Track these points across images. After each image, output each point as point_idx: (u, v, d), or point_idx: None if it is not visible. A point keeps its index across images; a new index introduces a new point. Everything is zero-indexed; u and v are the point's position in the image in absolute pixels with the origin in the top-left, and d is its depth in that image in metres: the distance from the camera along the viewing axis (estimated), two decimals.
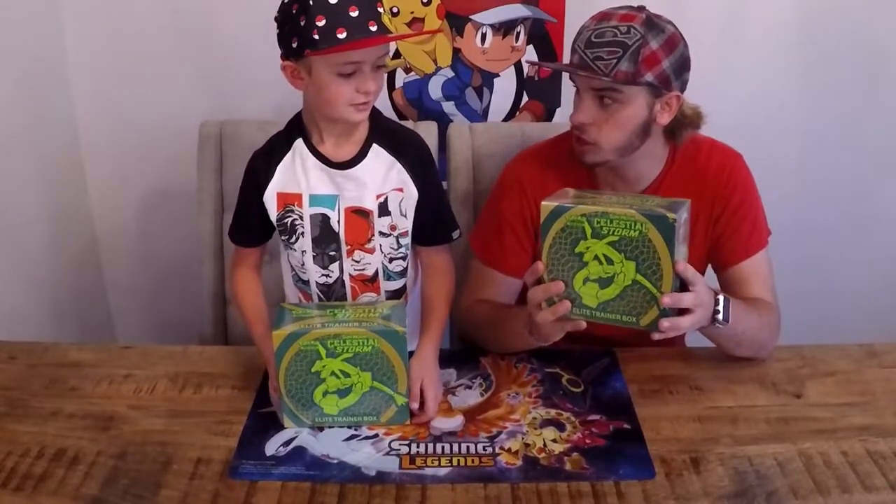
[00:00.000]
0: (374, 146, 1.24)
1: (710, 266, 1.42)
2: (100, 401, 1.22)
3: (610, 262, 1.07)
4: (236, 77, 1.87)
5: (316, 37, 1.10)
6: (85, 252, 2.02)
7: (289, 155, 1.25)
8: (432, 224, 1.30)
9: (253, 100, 1.85)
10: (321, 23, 1.09)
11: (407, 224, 1.27)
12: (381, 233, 1.27)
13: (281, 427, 1.16)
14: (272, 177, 1.25)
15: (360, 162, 1.23)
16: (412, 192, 1.25)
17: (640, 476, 1.07)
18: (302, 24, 1.10)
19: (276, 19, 1.17)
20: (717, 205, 1.35)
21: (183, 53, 1.86)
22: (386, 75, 1.22)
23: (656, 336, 1.08)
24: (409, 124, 1.73)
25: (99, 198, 2.01)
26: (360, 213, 1.25)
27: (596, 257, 1.07)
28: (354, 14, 1.10)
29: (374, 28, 1.12)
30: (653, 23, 1.22)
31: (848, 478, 1.06)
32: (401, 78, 1.88)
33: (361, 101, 1.16)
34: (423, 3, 1.81)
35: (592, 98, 1.25)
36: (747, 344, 1.28)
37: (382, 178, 1.24)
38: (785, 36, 1.87)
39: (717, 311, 1.15)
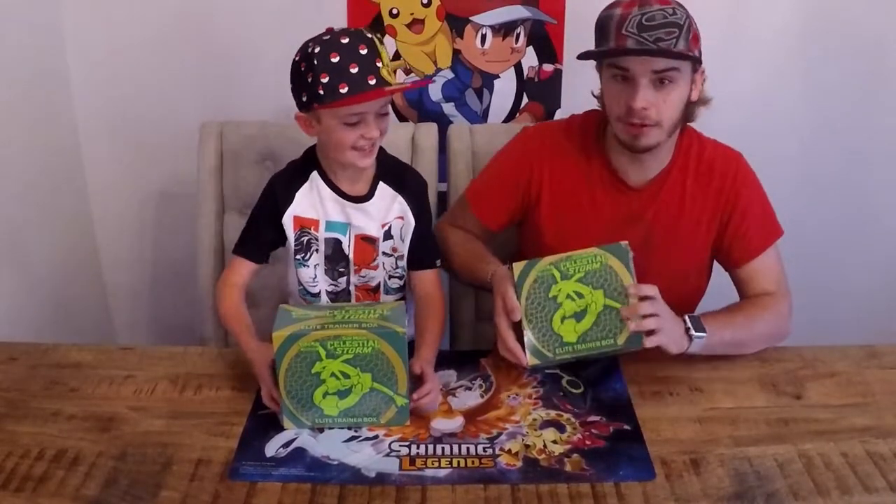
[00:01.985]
0: (381, 184, 1.35)
1: (713, 264, 1.46)
2: (100, 402, 1.22)
3: (581, 296, 1.20)
4: (236, 77, 1.87)
5: (321, 92, 1.20)
6: (85, 252, 2.02)
7: (307, 184, 1.34)
8: (422, 247, 1.39)
9: (253, 100, 1.85)
10: (325, 79, 1.19)
11: (405, 248, 1.38)
12: (384, 253, 1.38)
13: (281, 428, 1.16)
14: (291, 201, 1.34)
15: (370, 199, 1.34)
16: (410, 221, 1.36)
17: (641, 477, 1.07)
18: (309, 80, 1.21)
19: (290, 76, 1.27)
20: (725, 204, 1.38)
21: (183, 54, 1.86)
22: (390, 116, 1.32)
23: (647, 343, 1.18)
24: (409, 125, 1.74)
25: (99, 198, 2.01)
26: (367, 240, 1.36)
27: (568, 296, 1.20)
28: (354, 70, 1.19)
29: (372, 82, 1.20)
30: (681, 2, 1.28)
31: (848, 479, 1.06)
32: (401, 79, 1.88)
33: (365, 145, 1.26)
34: (422, 4, 1.81)
35: (649, 81, 1.26)
36: (750, 343, 1.32)
37: (387, 210, 1.35)
38: (786, 36, 1.87)
39: (688, 328, 1.24)
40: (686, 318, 1.25)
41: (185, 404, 1.22)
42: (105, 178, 1.99)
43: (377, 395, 1.15)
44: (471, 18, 1.83)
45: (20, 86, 1.72)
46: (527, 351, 1.22)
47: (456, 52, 1.86)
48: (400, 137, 1.68)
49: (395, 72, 1.87)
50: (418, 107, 1.91)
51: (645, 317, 1.17)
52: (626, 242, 1.20)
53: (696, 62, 1.28)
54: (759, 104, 1.92)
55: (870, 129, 1.96)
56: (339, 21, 1.81)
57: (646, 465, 1.09)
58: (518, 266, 1.24)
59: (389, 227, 1.36)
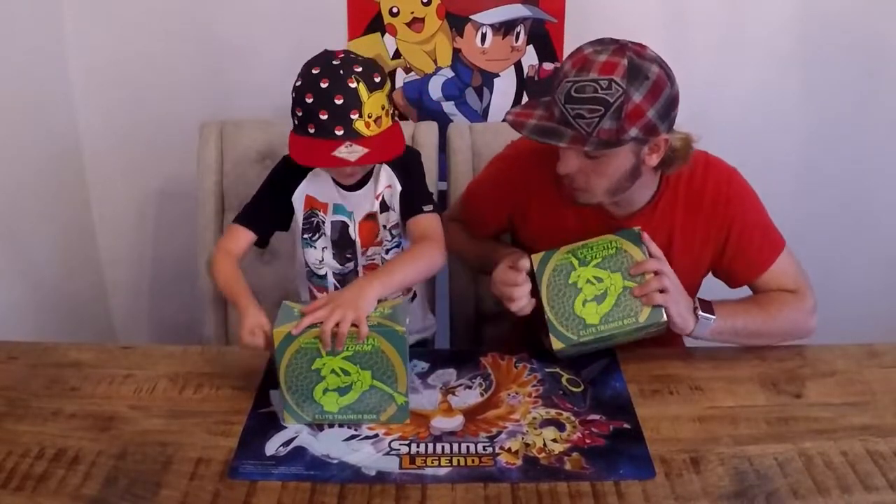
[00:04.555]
0: (376, 167, 1.36)
1: (708, 277, 1.43)
2: (100, 401, 1.22)
3: (600, 280, 1.24)
4: (236, 77, 1.87)
5: (296, 122, 1.25)
6: (85, 252, 2.03)
7: (315, 169, 1.36)
8: (410, 195, 1.36)
9: (253, 100, 1.85)
10: (299, 114, 1.23)
11: (396, 217, 1.37)
12: (383, 227, 1.38)
13: (281, 427, 1.16)
14: (301, 181, 1.36)
15: (366, 184, 1.36)
16: (397, 186, 1.36)
17: (641, 476, 1.07)
18: (293, 106, 1.25)
19: None
20: (719, 231, 1.33)
21: (183, 54, 1.86)
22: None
23: (663, 320, 1.22)
24: (409, 124, 1.74)
25: (99, 198, 2.01)
26: (369, 218, 1.37)
27: (587, 281, 1.24)
28: (324, 117, 1.20)
29: (339, 132, 1.21)
30: (635, 70, 1.14)
31: (848, 478, 1.06)
32: (401, 78, 1.89)
33: (342, 174, 1.31)
34: (423, 2, 1.81)
35: (576, 151, 1.20)
36: (766, 335, 1.33)
37: (376, 182, 1.36)
38: (785, 35, 1.87)
39: (696, 307, 1.26)
40: (696, 299, 1.27)
41: (185, 403, 1.22)
42: (105, 178, 1.99)
43: (377, 392, 1.15)
44: (471, 17, 1.83)
45: (21, 86, 1.72)
46: (551, 336, 1.25)
47: (456, 51, 1.86)
48: None
49: (394, 71, 1.87)
50: (418, 105, 1.91)
51: (656, 290, 1.21)
52: (639, 227, 1.25)
53: (620, 144, 1.17)
54: (758, 104, 1.92)
55: (869, 129, 1.96)
56: (339, 21, 1.81)
57: (646, 463, 1.09)
58: (536, 257, 1.27)
59: (382, 197, 1.36)
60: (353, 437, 1.15)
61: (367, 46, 1.84)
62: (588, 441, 1.14)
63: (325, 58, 1.24)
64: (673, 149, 1.24)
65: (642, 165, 1.23)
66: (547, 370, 1.30)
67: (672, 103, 1.20)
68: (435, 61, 1.87)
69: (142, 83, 1.89)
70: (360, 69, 1.22)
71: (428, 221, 1.34)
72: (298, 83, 1.23)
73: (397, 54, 1.86)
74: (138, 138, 1.94)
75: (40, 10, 1.78)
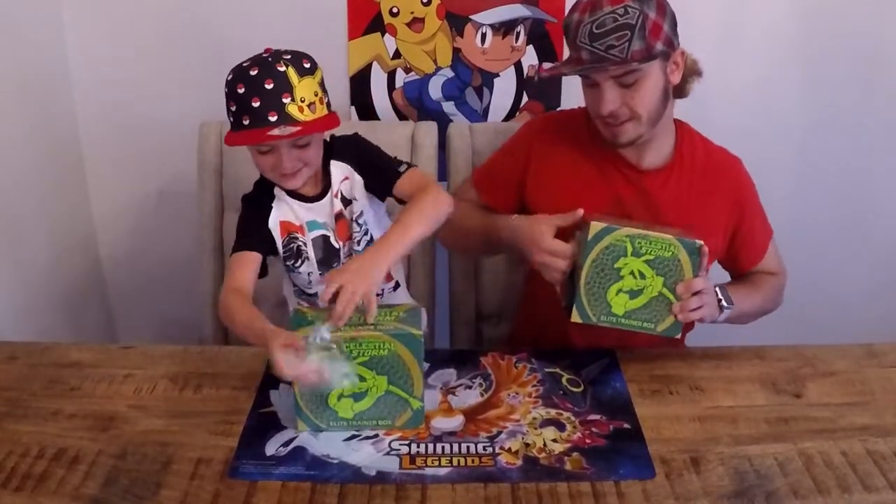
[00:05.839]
0: (328, 169, 1.34)
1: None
2: (100, 401, 1.22)
3: (643, 276, 1.21)
4: None
5: (231, 119, 1.25)
6: (85, 251, 2.02)
7: (276, 199, 1.34)
8: (379, 168, 1.34)
9: None
10: (233, 108, 1.23)
11: (360, 204, 1.35)
12: (351, 220, 1.36)
13: (281, 427, 1.16)
14: (271, 211, 1.34)
15: (327, 193, 1.34)
16: (356, 177, 1.34)
17: (641, 476, 1.07)
18: (226, 104, 1.24)
19: None
20: (728, 218, 1.40)
21: (183, 54, 1.86)
22: (321, 145, 1.32)
23: (677, 337, 1.24)
24: (408, 124, 1.74)
25: (99, 198, 2.01)
26: (340, 217, 1.35)
27: (632, 272, 1.21)
28: (256, 105, 1.19)
29: (273, 118, 1.19)
30: None
31: (848, 478, 1.06)
32: (401, 78, 1.88)
33: (283, 172, 1.26)
34: (423, 2, 1.81)
35: (613, 85, 1.27)
36: (752, 316, 1.41)
37: (332, 180, 1.34)
38: (783, 34, 1.87)
39: (720, 300, 1.28)
40: (717, 290, 1.29)
41: (185, 403, 1.22)
42: (105, 178, 1.99)
43: (392, 397, 1.14)
44: (471, 17, 1.83)
45: (21, 85, 1.72)
46: (574, 308, 1.23)
47: (456, 51, 1.86)
48: (400, 136, 1.69)
49: (394, 71, 1.87)
50: (418, 105, 1.91)
51: (692, 310, 1.22)
52: (703, 243, 1.20)
53: (653, 58, 1.25)
54: (757, 102, 1.92)
55: (868, 126, 1.96)
56: (339, 21, 1.81)
57: (646, 463, 1.09)
58: (596, 226, 1.20)
59: (340, 193, 1.34)
60: (353, 437, 1.15)
61: (367, 46, 1.84)
62: (588, 441, 1.14)
63: (255, 55, 1.25)
64: (686, 66, 1.33)
65: (669, 85, 1.31)
66: (547, 370, 1.30)
67: (675, 18, 1.29)
68: (435, 61, 1.87)
69: (142, 83, 1.89)
70: (288, 56, 1.23)
71: (412, 176, 1.32)
72: (230, 77, 1.22)
73: (397, 54, 1.86)
74: (138, 138, 1.94)
75: (40, 9, 1.77)
